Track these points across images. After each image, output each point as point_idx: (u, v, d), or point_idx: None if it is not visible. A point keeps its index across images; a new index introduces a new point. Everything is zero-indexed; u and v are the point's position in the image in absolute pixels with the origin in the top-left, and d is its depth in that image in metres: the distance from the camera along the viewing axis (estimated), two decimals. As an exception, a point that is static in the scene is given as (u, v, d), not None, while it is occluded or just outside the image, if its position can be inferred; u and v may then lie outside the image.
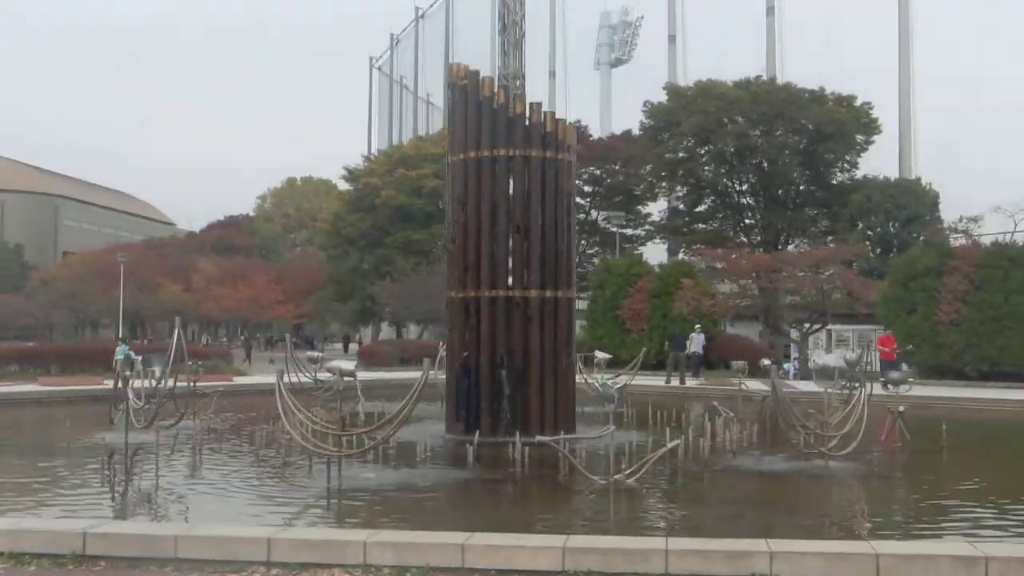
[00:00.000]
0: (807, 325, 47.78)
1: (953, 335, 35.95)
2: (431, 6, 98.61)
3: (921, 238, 48.42)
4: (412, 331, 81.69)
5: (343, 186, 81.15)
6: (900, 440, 18.20)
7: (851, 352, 22.47)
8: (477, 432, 17.76)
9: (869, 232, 49.81)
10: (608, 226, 61.93)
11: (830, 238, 55.19)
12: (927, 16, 55.88)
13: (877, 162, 54.79)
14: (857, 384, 22.07)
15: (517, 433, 16.75)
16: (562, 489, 14.17)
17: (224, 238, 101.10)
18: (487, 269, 19.63)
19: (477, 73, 20.30)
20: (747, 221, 57.08)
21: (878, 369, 32.99)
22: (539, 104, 20.12)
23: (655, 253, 61.35)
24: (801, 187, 55.87)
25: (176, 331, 17.17)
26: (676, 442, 15.02)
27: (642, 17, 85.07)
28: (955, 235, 43.09)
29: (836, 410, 16.62)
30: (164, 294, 74.46)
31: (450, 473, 15.70)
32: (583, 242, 62.75)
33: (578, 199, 62.59)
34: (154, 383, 18.43)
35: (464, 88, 20.12)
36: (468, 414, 19.45)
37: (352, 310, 72.81)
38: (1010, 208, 43.35)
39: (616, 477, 13.48)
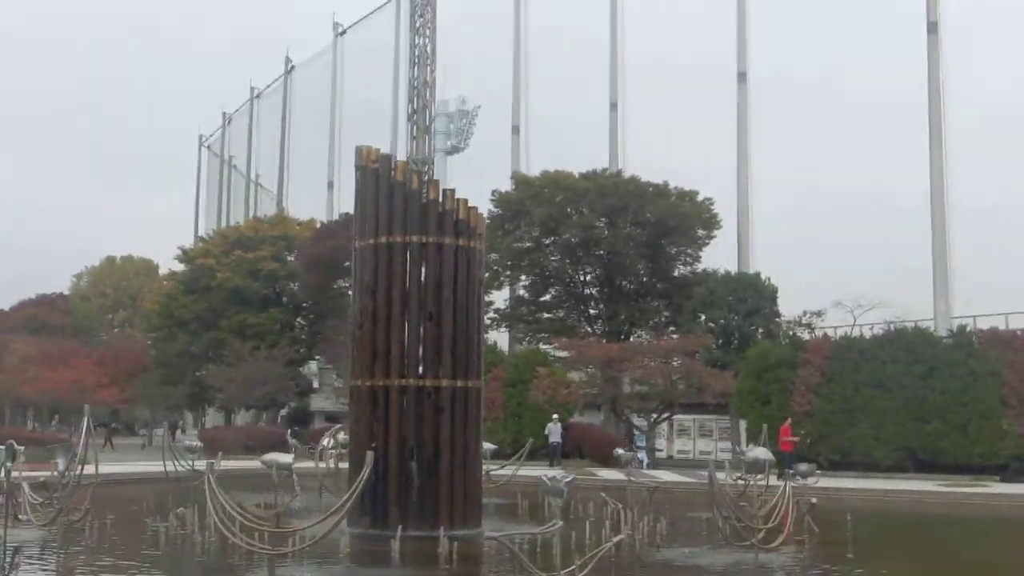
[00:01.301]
0: (654, 415, 48.54)
1: (806, 426, 37.05)
2: (267, 87, 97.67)
3: (759, 330, 50.03)
4: (241, 416, 79.30)
5: (169, 266, 78.86)
6: (807, 532, 18.35)
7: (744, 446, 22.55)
8: (400, 527, 16.99)
9: (711, 324, 50.95)
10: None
11: (671, 329, 56.38)
12: (763, 118, 58.30)
13: (715, 257, 56.48)
14: (748, 477, 22.48)
15: (441, 528, 16.23)
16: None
17: (37, 316, 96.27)
18: (397, 357, 19.11)
19: (390, 157, 20.03)
20: (591, 311, 57.80)
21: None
22: (452, 190, 19.90)
23: (499, 341, 61.29)
24: (644, 279, 57.00)
25: (85, 419, 15.98)
26: (620, 536, 14.77)
27: (479, 107, 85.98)
28: (798, 328, 44.68)
29: (764, 503, 16.67)
30: (-30, 375, 70.07)
31: (390, 573, 14.91)
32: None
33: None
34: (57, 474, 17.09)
35: (376, 171, 19.74)
36: (375, 507, 18.73)
37: (182, 394, 69.97)
38: (849, 303, 45.18)
39: (562, 574, 13.09)
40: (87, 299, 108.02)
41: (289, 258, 68.52)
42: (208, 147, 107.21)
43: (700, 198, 55.18)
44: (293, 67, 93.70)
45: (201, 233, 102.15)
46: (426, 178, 20.18)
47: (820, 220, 62.91)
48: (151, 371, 72.99)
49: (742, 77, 59.04)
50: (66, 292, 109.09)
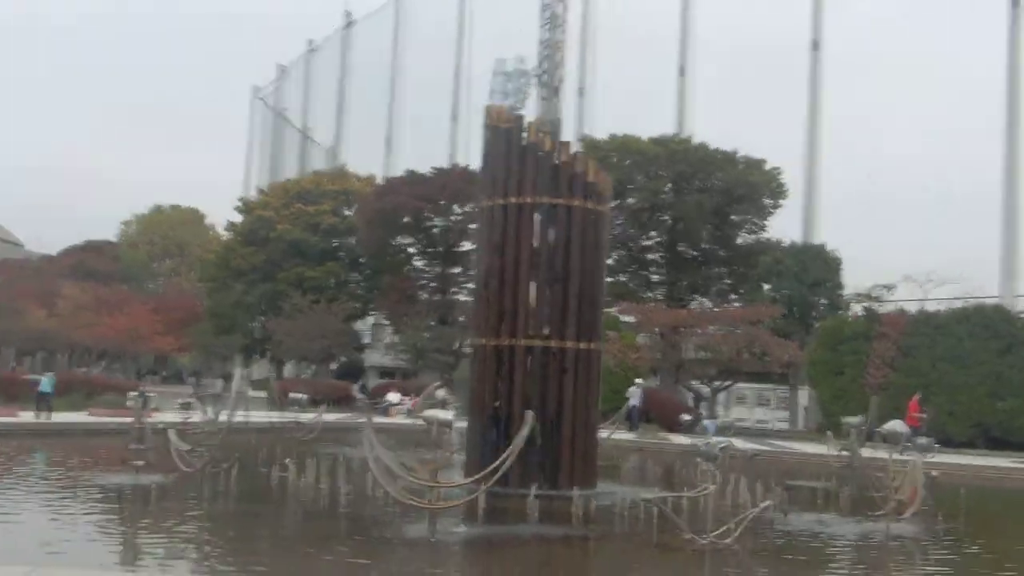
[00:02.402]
0: (716, 382, 48.71)
1: (881, 399, 37.05)
2: (325, 40, 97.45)
3: (823, 302, 50.02)
4: (289, 369, 79.95)
5: (217, 217, 79.12)
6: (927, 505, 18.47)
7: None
8: (534, 486, 17.16)
9: (775, 294, 50.94)
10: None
11: (733, 297, 56.46)
12: (835, 90, 57.82)
13: (780, 227, 56.44)
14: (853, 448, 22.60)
15: (563, 488, 16.44)
16: (669, 549, 13.80)
17: (84, 262, 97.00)
18: (524, 317, 19.27)
19: (521, 117, 20.11)
20: (653, 277, 57.85)
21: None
22: (584, 154, 19.97)
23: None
24: (707, 246, 56.96)
25: (238, 371, 16.30)
26: (768, 502, 14.95)
27: (537, 66, 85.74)
28: (868, 301, 44.60)
29: (896, 475, 16.80)
30: (27, 320, 70.68)
31: (528, 529, 15.09)
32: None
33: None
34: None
35: (507, 132, 19.83)
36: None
37: (236, 345, 70.56)
38: (919, 278, 44.99)
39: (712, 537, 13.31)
40: (135, 247, 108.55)
41: (347, 213, 68.86)
42: (262, 100, 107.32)
43: (768, 167, 54.98)
44: (352, 21, 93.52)
45: (251, 186, 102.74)
46: (559, 141, 20.13)
47: (888, 195, 62.37)
48: (204, 321, 73.61)
49: (815, 45, 58.55)
50: (113, 239, 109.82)
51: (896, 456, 18.07)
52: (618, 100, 65.77)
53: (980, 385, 35.98)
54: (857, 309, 46.16)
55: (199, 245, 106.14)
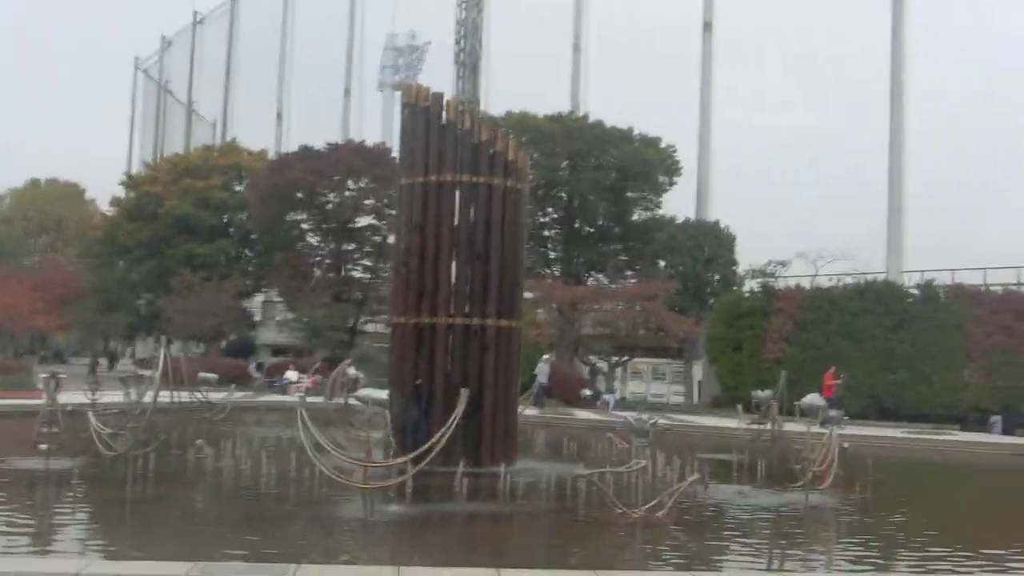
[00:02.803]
0: (614, 357, 49.32)
1: (776, 372, 37.88)
2: (211, 11, 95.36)
3: (717, 277, 50.99)
4: (176, 348, 78.41)
5: (96, 191, 76.84)
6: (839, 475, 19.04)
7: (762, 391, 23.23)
8: (461, 463, 17.16)
9: (670, 270, 51.68)
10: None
11: (629, 273, 57.12)
12: (726, 69, 58.77)
13: (674, 205, 57.24)
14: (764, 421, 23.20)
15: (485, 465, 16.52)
16: (603, 522, 13.96)
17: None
18: (445, 295, 19.29)
19: (441, 95, 20.00)
20: (550, 254, 58.16)
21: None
22: (504, 132, 20.01)
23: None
24: (603, 223, 57.44)
25: (162, 350, 15.94)
26: (695, 476, 15.27)
27: (429, 42, 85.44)
28: (762, 277, 45.63)
29: (813, 447, 17.29)
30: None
31: (464, 506, 15.15)
32: (380, 265, 62.28)
33: (374, 221, 62.07)
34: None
35: (426, 110, 19.73)
36: (417, 443, 18.92)
37: (123, 323, 68.91)
38: (811, 255, 46.12)
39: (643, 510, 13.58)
40: (9, 222, 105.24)
41: (238, 188, 67.64)
42: (144, 71, 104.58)
43: (663, 145, 55.67)
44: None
45: (135, 160, 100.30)
46: (479, 119, 20.13)
47: (777, 173, 63.67)
48: (87, 298, 71.58)
49: (708, 27, 59.36)
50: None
51: (814, 429, 18.53)
52: (512, 77, 65.67)
53: (872, 359, 37.14)
54: (752, 285, 47.13)
55: (78, 220, 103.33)
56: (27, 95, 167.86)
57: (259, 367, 51.96)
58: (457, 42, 18.19)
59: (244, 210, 65.84)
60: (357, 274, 62.73)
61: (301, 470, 16.00)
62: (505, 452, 19.22)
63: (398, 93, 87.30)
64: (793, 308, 38.96)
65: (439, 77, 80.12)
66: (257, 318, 74.13)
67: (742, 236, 51.79)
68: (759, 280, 46.18)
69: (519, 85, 65.41)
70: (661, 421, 26.22)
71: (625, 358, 49.96)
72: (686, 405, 47.17)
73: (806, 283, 43.93)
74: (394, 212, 53.60)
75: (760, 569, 11.93)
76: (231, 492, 15.75)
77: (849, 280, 43.53)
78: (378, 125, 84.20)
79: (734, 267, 51.75)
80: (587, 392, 42.15)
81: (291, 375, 45.36)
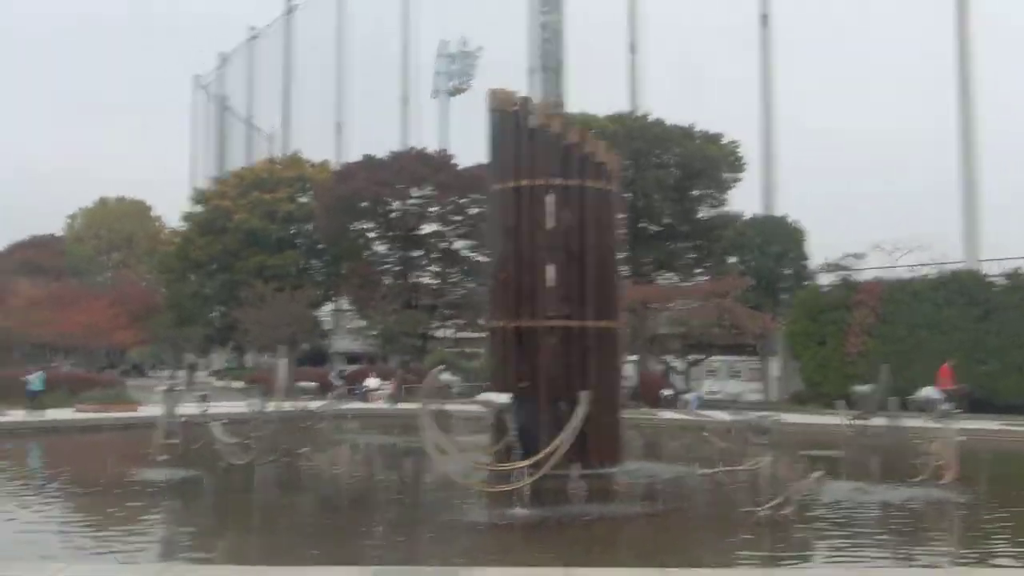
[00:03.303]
0: (690, 356, 49.11)
1: (861, 366, 37.57)
2: (266, 26, 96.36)
3: (788, 272, 50.59)
4: (251, 358, 79.44)
5: (162, 208, 78.08)
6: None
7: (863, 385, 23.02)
8: (576, 465, 17.12)
9: (740, 266, 51.40)
10: (475, 255, 62.06)
11: (698, 271, 56.84)
12: (787, 65, 58.31)
13: (739, 201, 56.86)
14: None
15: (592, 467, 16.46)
16: (733, 520, 13.89)
17: (32, 258, 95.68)
18: (543, 299, 19.30)
19: (530, 99, 20.06)
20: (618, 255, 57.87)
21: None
22: (592, 133, 20.03)
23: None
24: (667, 221, 57.19)
25: (283, 360, 16.21)
26: (819, 472, 15.17)
27: (481, 47, 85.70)
28: (837, 271, 45.17)
29: (931, 441, 17.09)
30: (-18, 317, 69.26)
31: (589, 508, 15.11)
32: (447, 271, 62.69)
33: (439, 228, 62.43)
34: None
35: (515, 115, 19.78)
36: (525, 447, 18.99)
37: (200, 335, 69.93)
38: (888, 246, 45.50)
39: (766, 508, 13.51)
40: (81, 240, 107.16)
41: (302, 199, 68.36)
42: (204, 88, 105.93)
43: (725, 141, 55.37)
44: (294, 6, 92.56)
45: (198, 176, 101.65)
46: (568, 122, 20.16)
47: (845, 166, 62.82)
48: (163, 313, 72.84)
49: (764, 20, 58.91)
50: (59, 234, 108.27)
51: (931, 424, 18.22)
52: (571, 79, 65.60)
53: (959, 350, 36.53)
54: (830, 279, 46.61)
55: (146, 237, 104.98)
56: (91, 119, 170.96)
57: (341, 375, 52.35)
58: (541, 45, 18.21)
59: (310, 221, 66.51)
60: (425, 280, 63.12)
61: (417, 475, 16.19)
62: (611, 453, 19.25)
63: (452, 98, 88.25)
64: (874, 301, 38.52)
65: (494, 81, 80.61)
66: (328, 327, 74.85)
67: (812, 232, 51.45)
68: (837, 273, 45.60)
69: (577, 87, 65.29)
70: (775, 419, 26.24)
71: (701, 357, 49.70)
72: (765, 402, 46.81)
73: (887, 275, 43.37)
74: (454, 218, 54.13)
75: (920, 566, 11.76)
76: (355, 498, 15.91)
77: (927, 271, 42.96)
78: (435, 131, 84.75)
79: (805, 262, 51.31)
80: (667, 392, 41.97)
81: (371, 382, 45.68)
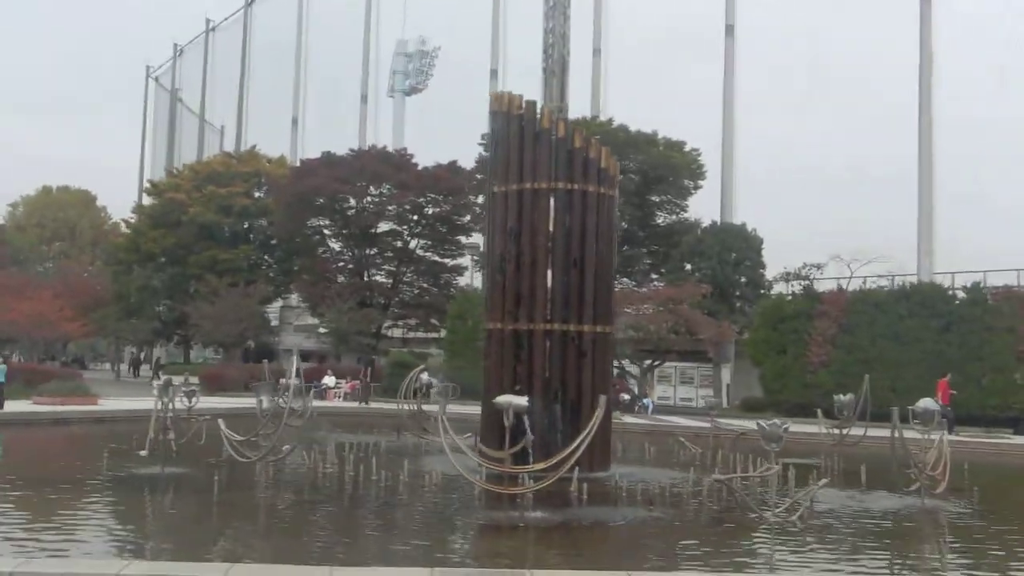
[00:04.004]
0: (647, 361, 49.42)
1: (822, 376, 38.15)
2: (224, 19, 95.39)
3: (744, 280, 51.16)
4: (196, 353, 78.62)
5: (106, 198, 76.90)
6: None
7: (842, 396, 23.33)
8: (576, 469, 17.18)
9: (697, 273, 51.81)
10: (431, 255, 62.10)
11: (654, 277, 57.23)
12: (749, 72, 59.01)
13: (697, 209, 57.45)
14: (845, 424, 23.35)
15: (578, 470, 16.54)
16: (747, 525, 14.07)
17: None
18: (542, 302, 19.37)
19: (535, 103, 20.12)
20: (575, 258, 58.10)
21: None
22: (597, 139, 20.14)
23: (477, 283, 61.72)
24: (626, 226, 57.50)
25: (295, 358, 16.12)
26: (824, 480, 15.43)
27: (439, 47, 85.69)
28: (795, 280, 45.78)
29: (924, 451, 17.40)
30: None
31: (600, 511, 15.21)
32: (402, 270, 62.54)
33: (395, 227, 62.25)
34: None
35: (520, 118, 19.85)
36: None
37: (148, 329, 68.91)
38: (846, 257, 46.10)
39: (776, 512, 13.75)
40: (22, 229, 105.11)
41: (257, 194, 67.86)
42: (156, 80, 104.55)
43: (687, 149, 55.83)
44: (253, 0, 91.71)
45: (148, 168, 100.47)
46: (572, 127, 20.26)
47: (800, 177, 63.81)
48: (108, 305, 71.61)
49: (729, 30, 59.49)
50: (0, 222, 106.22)
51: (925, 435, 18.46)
52: (529, 82, 65.62)
53: (921, 362, 37.22)
54: (788, 287, 47.19)
55: (91, 227, 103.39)
56: (37, 104, 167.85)
57: (298, 372, 51.62)
58: (545, 50, 18.20)
59: (265, 216, 66.01)
60: (380, 279, 62.92)
61: (417, 475, 16.25)
62: (601, 458, 19.38)
63: (408, 98, 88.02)
64: (837, 311, 39.12)
65: (451, 82, 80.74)
66: (275, 323, 74.13)
67: (768, 241, 52.04)
68: (795, 282, 46.21)
69: (536, 90, 65.26)
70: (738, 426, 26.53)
71: (656, 362, 50.04)
72: (725, 408, 47.22)
73: (845, 286, 44.03)
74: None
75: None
76: (355, 497, 15.80)
77: (883, 282, 43.68)
78: (389, 130, 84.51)
79: (761, 270, 51.91)
80: (625, 396, 42.17)
81: (328, 380, 45.47)
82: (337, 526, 13.57)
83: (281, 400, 18.04)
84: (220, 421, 16.52)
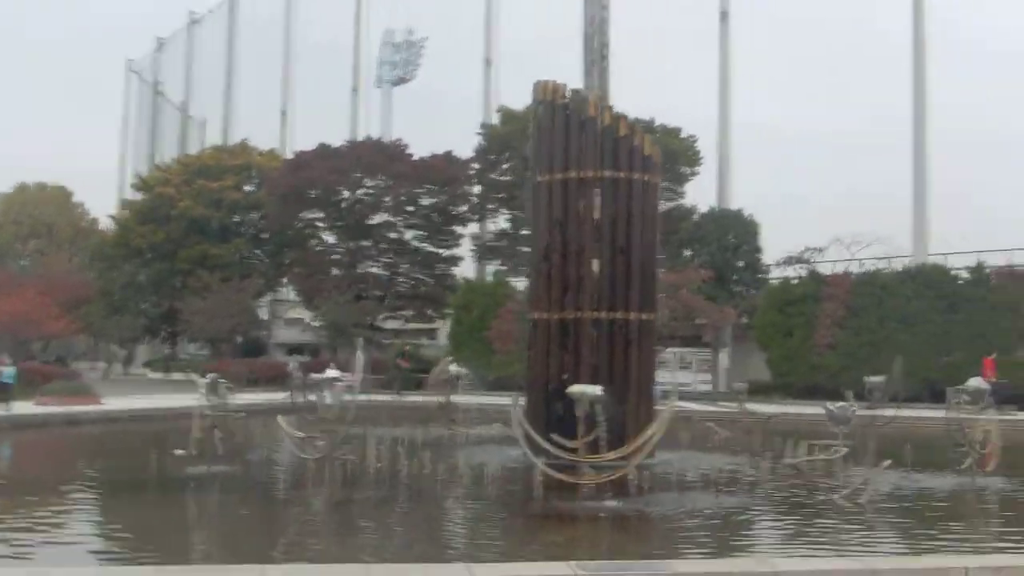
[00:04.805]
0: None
1: (829, 358, 38.47)
2: (208, 12, 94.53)
3: (742, 265, 51.45)
4: (184, 348, 78.00)
5: (82, 195, 75.80)
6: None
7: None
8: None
9: (697, 259, 52.05)
10: (426, 246, 62.10)
11: (654, 263, 57.30)
12: (745, 61, 59.10)
13: (693, 195, 57.64)
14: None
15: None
16: (819, 508, 14.24)
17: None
18: (589, 290, 19.44)
19: (580, 92, 20.19)
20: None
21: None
22: (638, 126, 20.23)
23: (470, 273, 61.94)
24: (623, 213, 57.58)
25: (359, 353, 16.13)
26: (888, 461, 15.62)
27: (426, 37, 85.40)
28: (797, 264, 46.05)
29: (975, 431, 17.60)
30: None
31: (667, 498, 15.28)
32: (397, 261, 62.47)
33: (390, 218, 62.14)
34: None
35: (564, 106, 19.92)
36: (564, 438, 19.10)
37: (137, 326, 68.37)
38: (847, 240, 46.32)
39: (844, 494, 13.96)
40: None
41: (248, 188, 67.49)
42: (137, 73, 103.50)
43: (683, 135, 56.02)
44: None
45: (128, 163, 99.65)
46: (618, 115, 20.34)
47: (796, 160, 63.89)
48: (93, 302, 70.91)
49: (724, 16, 59.71)
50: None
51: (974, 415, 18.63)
52: (521, 69, 65.55)
53: (926, 342, 37.62)
54: (788, 271, 47.46)
55: (68, 225, 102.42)
56: (11, 97, 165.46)
57: (300, 366, 51.48)
58: (587, 38, 18.28)
59: (256, 209, 65.74)
60: (375, 271, 62.80)
61: (475, 468, 16.35)
62: (648, 444, 19.48)
63: (396, 88, 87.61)
64: (843, 293, 39.47)
65: (440, 72, 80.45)
66: (264, 317, 73.79)
67: (766, 226, 52.31)
68: (797, 266, 46.45)
69: (529, 77, 65.09)
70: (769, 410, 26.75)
71: (660, 349, 50.16)
72: (715, 393, 47.45)
73: (847, 268, 44.27)
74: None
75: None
76: (421, 491, 15.71)
77: (880, 265, 43.99)
78: (378, 121, 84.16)
79: (759, 255, 52.20)
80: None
81: (331, 372, 45.12)
82: (429, 524, 13.54)
83: (330, 397, 17.83)
84: (280, 418, 16.54)
